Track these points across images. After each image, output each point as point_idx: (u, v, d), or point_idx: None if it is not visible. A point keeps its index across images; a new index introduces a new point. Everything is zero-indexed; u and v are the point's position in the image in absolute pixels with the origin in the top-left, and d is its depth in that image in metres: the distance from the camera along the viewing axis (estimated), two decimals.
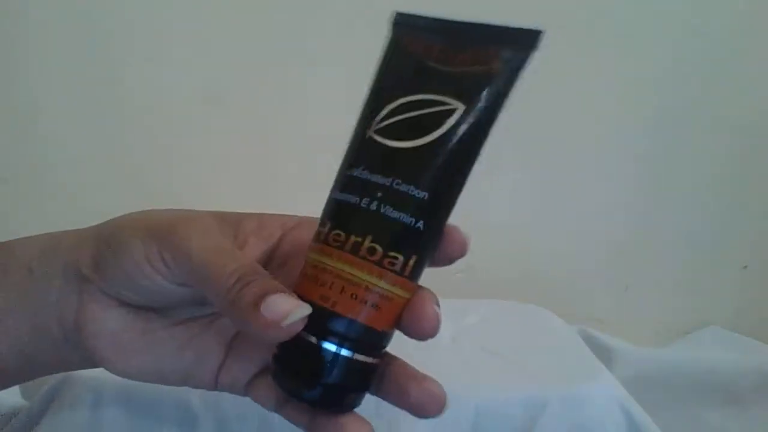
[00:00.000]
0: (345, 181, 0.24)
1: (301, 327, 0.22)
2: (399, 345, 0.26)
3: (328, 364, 0.23)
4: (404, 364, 0.26)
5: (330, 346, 0.23)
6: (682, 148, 0.61)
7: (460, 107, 0.23)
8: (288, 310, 0.21)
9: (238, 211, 0.29)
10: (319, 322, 0.23)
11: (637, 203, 0.63)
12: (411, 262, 0.23)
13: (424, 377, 0.25)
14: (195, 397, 0.39)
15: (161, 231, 0.25)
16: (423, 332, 0.24)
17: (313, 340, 0.23)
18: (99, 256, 0.26)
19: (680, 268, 0.65)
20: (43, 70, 0.55)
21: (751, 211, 0.64)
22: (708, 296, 0.66)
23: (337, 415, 0.24)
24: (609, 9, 0.57)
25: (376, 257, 0.23)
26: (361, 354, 0.24)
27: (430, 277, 0.27)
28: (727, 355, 0.58)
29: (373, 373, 0.25)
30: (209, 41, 0.55)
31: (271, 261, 0.28)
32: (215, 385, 0.28)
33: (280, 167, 0.58)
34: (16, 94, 0.55)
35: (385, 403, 0.26)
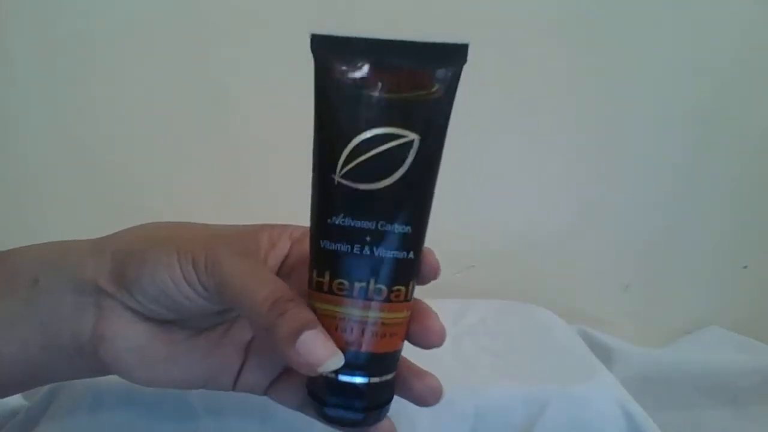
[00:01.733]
0: (330, 231, 0.24)
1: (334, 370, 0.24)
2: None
3: (365, 396, 0.25)
4: (405, 360, 0.28)
5: (363, 380, 0.25)
6: (683, 151, 0.61)
7: (416, 138, 0.24)
8: (323, 358, 0.23)
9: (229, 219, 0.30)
10: (351, 364, 0.24)
11: (636, 204, 0.63)
12: (411, 288, 0.26)
13: (425, 373, 0.27)
14: (195, 397, 0.39)
15: (197, 250, 0.25)
16: (432, 344, 0.26)
17: (346, 379, 0.25)
18: (121, 271, 0.26)
19: (680, 268, 0.65)
20: (26, 72, 0.54)
21: (751, 211, 0.64)
22: (708, 296, 0.66)
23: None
24: (641, 10, 0.57)
25: (383, 295, 0.25)
26: (387, 374, 0.26)
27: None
28: (727, 355, 0.58)
29: (395, 382, 0.27)
30: (204, 43, 0.55)
31: (281, 270, 0.29)
32: (234, 388, 0.29)
33: (274, 175, 0.58)
34: None
35: None
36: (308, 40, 0.24)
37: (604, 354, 0.55)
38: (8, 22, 0.53)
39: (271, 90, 0.56)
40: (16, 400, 0.43)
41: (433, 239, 0.26)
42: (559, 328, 0.53)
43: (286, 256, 0.29)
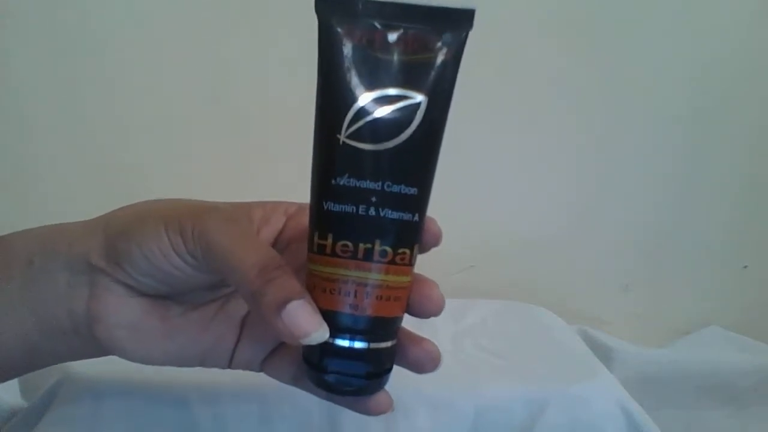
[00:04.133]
0: (333, 192, 0.24)
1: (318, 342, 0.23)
2: None
3: (366, 361, 0.25)
4: (401, 327, 0.27)
5: (363, 345, 0.25)
6: (683, 151, 0.61)
7: (423, 99, 0.24)
8: (308, 330, 0.23)
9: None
10: (353, 328, 0.24)
11: (636, 204, 0.63)
12: (414, 251, 0.25)
13: (421, 338, 0.27)
14: (194, 394, 0.39)
15: (184, 219, 0.25)
16: (431, 313, 0.26)
17: (347, 344, 0.24)
18: (112, 247, 0.26)
19: (680, 268, 0.65)
20: (29, 71, 0.55)
21: (751, 211, 0.64)
22: (708, 296, 0.66)
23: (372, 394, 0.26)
24: (640, 10, 0.57)
25: (388, 258, 0.24)
26: (388, 341, 0.26)
27: (430, 277, 0.27)
28: (727, 355, 0.58)
29: (395, 351, 0.26)
30: (205, 42, 0.55)
31: (275, 245, 0.29)
32: (230, 365, 0.29)
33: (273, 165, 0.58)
34: (2, 97, 0.54)
35: None
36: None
37: (604, 354, 0.55)
38: (11, 20, 0.53)
39: (270, 85, 0.56)
40: (16, 400, 0.43)
41: None
42: (559, 328, 0.53)
43: (281, 231, 0.29)
